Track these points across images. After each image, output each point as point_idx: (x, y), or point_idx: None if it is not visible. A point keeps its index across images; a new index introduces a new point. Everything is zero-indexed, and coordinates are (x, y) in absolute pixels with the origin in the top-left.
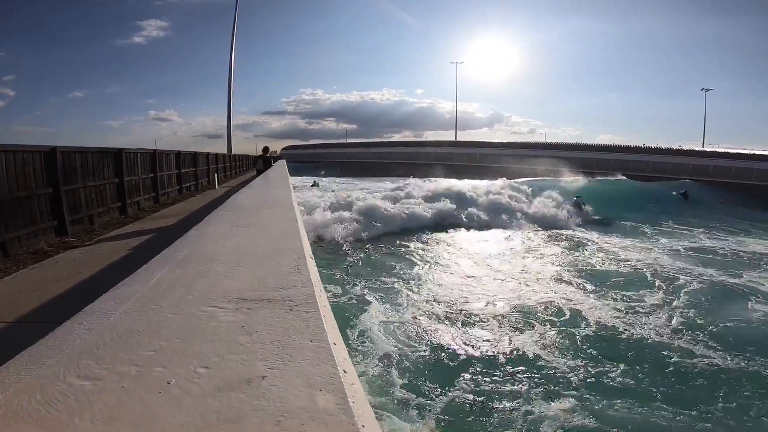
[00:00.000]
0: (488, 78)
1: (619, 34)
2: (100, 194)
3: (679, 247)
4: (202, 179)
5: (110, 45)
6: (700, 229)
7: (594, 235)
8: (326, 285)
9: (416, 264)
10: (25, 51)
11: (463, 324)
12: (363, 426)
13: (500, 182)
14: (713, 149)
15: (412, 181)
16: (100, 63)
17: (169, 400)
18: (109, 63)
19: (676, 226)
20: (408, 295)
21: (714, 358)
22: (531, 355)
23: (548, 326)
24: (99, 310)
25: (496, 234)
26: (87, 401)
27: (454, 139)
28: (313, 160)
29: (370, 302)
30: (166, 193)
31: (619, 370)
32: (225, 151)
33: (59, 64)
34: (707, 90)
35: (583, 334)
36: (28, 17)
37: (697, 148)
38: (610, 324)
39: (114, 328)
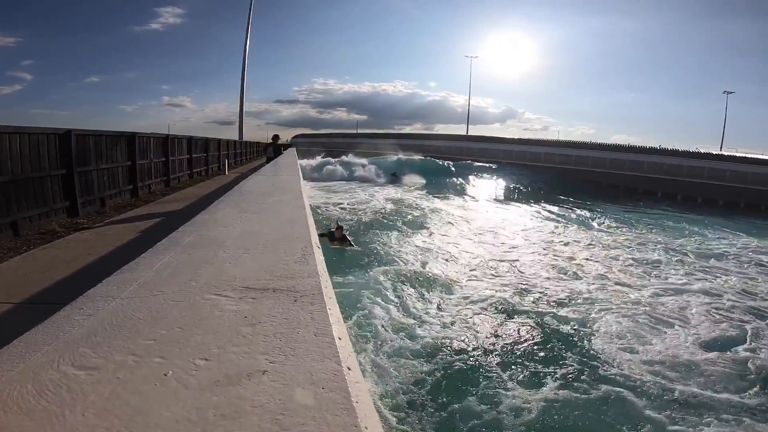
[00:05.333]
0: (503, 73)
1: (637, 34)
2: (112, 177)
3: None
4: (212, 165)
5: (128, 31)
6: None
7: None
8: None
9: None
10: (43, 36)
11: None
12: (366, 428)
13: None
14: (731, 153)
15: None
16: (116, 49)
17: (165, 393)
18: (126, 49)
19: None
20: None
21: None
22: None
23: None
24: (100, 294)
25: None
26: (80, 392)
27: (465, 133)
28: (322, 149)
29: None
30: (177, 177)
31: None
32: (236, 137)
33: (76, 49)
34: (729, 93)
35: None
36: (47, 3)
37: (714, 152)
38: None
39: (114, 315)
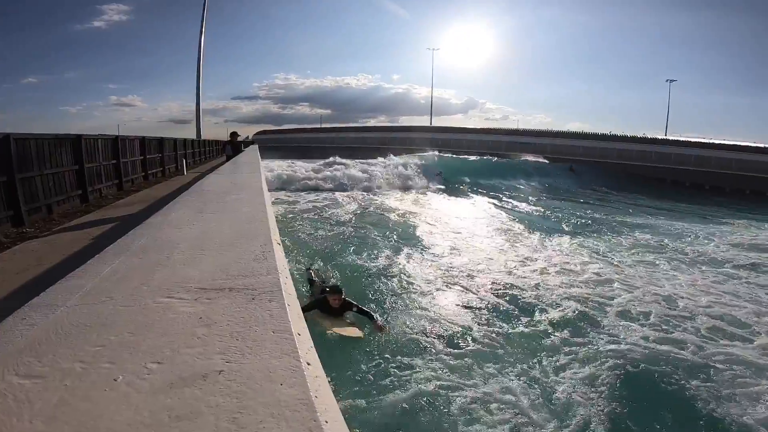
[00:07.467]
0: (464, 64)
1: (589, 25)
2: (58, 182)
3: None
4: (169, 165)
5: (68, 30)
6: None
7: None
8: None
9: None
10: None
11: None
12: (326, 422)
13: None
14: (676, 138)
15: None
16: (55, 48)
17: (116, 398)
18: (66, 48)
19: None
20: None
21: None
22: None
23: None
24: (44, 303)
25: None
26: (27, 400)
27: (429, 125)
28: (284, 145)
29: None
30: (130, 180)
31: None
32: (194, 136)
33: (11, 49)
34: (672, 81)
35: None
36: None
37: (659, 137)
38: None
39: (59, 323)
